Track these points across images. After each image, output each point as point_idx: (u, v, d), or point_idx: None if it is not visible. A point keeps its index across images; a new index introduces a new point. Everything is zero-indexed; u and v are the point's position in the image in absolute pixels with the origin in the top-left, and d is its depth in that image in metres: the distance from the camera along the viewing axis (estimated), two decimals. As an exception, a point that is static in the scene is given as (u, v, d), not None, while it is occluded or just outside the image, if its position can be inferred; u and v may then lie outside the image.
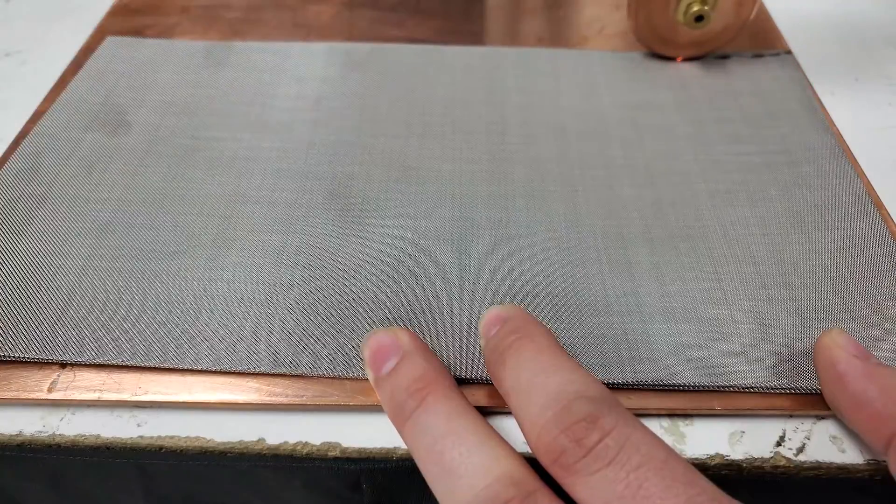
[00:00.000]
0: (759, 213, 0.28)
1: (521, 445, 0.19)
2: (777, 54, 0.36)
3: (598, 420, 0.17)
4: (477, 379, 0.22)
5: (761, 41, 0.37)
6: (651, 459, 0.16)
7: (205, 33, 0.39)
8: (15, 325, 0.23)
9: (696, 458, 0.21)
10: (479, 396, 0.22)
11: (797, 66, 0.35)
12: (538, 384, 0.18)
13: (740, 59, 0.36)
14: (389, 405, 0.20)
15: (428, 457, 0.18)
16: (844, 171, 0.29)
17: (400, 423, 0.20)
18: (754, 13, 0.33)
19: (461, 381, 0.22)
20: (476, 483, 0.17)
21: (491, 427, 0.19)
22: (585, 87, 0.34)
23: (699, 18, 0.32)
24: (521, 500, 0.16)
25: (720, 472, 0.21)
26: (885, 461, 0.20)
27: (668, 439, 0.22)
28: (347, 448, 0.22)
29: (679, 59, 0.36)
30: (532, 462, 0.18)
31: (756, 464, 0.21)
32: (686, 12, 0.32)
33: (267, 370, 0.22)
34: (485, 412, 0.21)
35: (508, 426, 0.22)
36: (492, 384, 0.22)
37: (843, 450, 0.21)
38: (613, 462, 0.16)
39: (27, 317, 0.24)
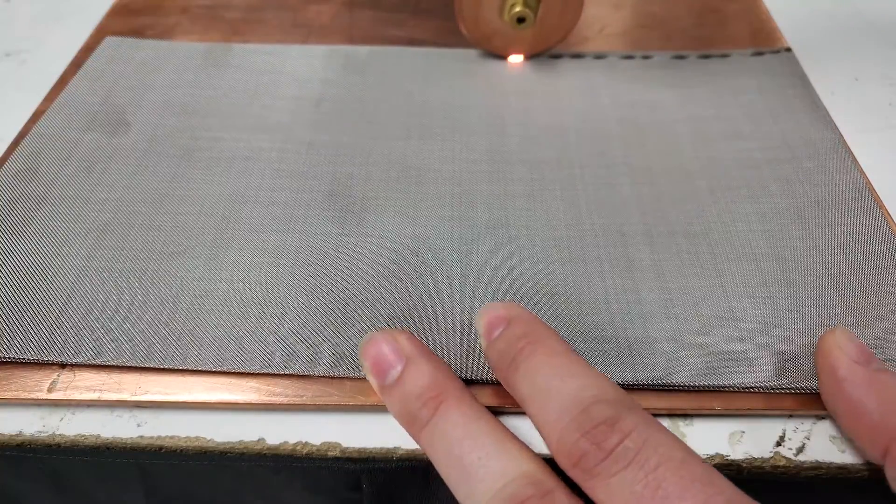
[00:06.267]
0: (760, 210, 0.27)
1: (536, 445, 0.19)
2: (777, 51, 0.36)
3: (617, 422, 0.17)
4: (479, 379, 0.22)
5: (761, 40, 0.37)
6: (669, 459, 0.16)
7: (205, 33, 0.39)
8: (15, 326, 0.23)
9: (697, 458, 0.21)
10: (483, 396, 0.22)
11: (797, 62, 0.35)
12: (554, 389, 0.18)
13: (740, 56, 0.36)
14: (402, 415, 0.20)
15: (447, 462, 0.19)
16: (846, 167, 0.29)
17: (416, 432, 0.20)
18: (579, 19, 0.33)
19: (463, 382, 0.22)
20: (495, 485, 0.17)
21: (506, 428, 0.19)
22: (585, 86, 0.34)
23: (521, 20, 0.32)
24: (539, 498, 0.17)
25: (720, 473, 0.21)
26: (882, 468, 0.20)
27: (669, 439, 0.21)
28: (347, 448, 0.21)
29: (513, 58, 0.36)
30: (548, 463, 0.18)
31: (756, 464, 0.21)
32: (509, 12, 0.32)
33: (267, 370, 0.22)
34: (492, 412, 0.21)
35: (519, 425, 0.21)
36: (495, 383, 0.22)
37: (842, 450, 0.21)
38: (632, 463, 0.16)
39: (27, 317, 0.23)
